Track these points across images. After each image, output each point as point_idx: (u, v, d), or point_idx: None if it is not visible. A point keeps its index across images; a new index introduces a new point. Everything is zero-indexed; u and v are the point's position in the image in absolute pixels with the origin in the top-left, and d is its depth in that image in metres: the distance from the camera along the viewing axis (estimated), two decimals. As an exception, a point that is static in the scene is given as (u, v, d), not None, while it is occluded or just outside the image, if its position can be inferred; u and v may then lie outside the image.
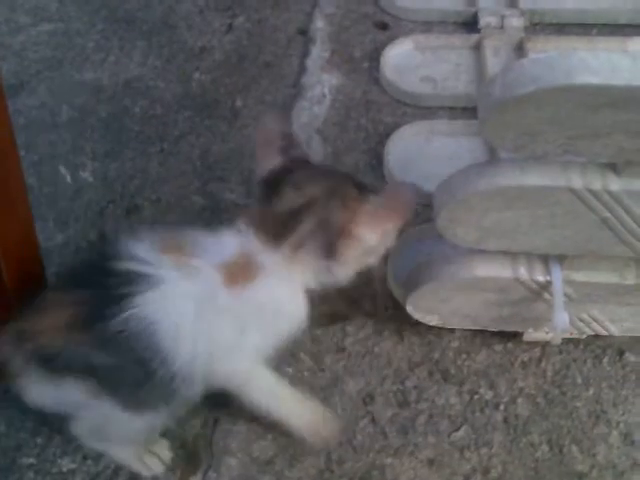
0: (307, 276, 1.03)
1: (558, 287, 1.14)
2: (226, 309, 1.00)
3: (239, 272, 1.00)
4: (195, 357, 1.00)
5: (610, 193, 1.00)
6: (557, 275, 1.14)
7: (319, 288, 1.05)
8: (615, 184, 1.00)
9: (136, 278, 0.98)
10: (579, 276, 1.15)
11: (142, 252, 1.00)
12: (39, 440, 1.16)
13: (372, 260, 1.06)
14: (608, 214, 1.02)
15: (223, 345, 1.03)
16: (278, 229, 1.01)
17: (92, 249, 1.06)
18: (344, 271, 1.05)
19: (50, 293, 1.06)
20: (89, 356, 0.98)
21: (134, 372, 0.99)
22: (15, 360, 1.02)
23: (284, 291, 1.03)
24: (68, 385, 1.01)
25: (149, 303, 0.97)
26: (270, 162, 1.07)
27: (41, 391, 1.05)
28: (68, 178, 1.54)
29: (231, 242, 1.02)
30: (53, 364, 1.00)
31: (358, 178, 1.07)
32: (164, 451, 1.14)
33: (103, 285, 0.99)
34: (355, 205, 1.02)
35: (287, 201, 1.02)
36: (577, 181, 1.00)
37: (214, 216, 1.47)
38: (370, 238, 1.02)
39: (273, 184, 1.05)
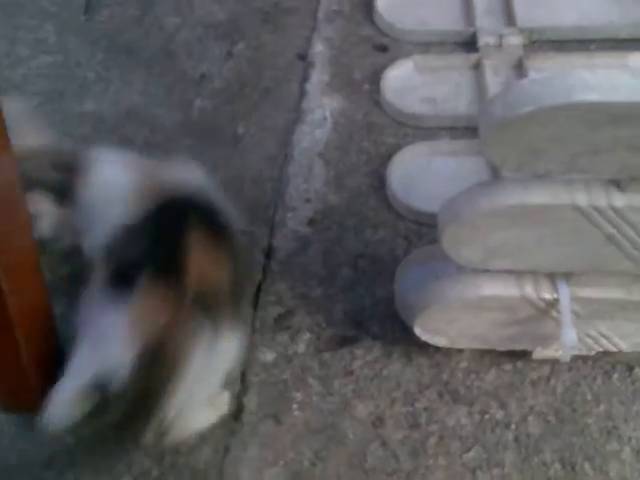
0: None
1: (566, 304, 1.14)
2: None
3: None
4: None
5: (614, 209, 1.00)
6: (564, 292, 1.14)
7: None
8: (619, 200, 1.00)
9: None
10: (586, 293, 1.15)
11: None
12: (50, 474, 1.16)
13: None
14: (613, 230, 1.02)
15: None
16: None
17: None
18: None
19: None
20: None
21: None
22: None
23: None
24: None
25: None
26: None
27: None
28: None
29: None
30: None
31: None
32: None
33: None
34: None
35: None
36: (581, 198, 1.00)
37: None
38: None
39: None
